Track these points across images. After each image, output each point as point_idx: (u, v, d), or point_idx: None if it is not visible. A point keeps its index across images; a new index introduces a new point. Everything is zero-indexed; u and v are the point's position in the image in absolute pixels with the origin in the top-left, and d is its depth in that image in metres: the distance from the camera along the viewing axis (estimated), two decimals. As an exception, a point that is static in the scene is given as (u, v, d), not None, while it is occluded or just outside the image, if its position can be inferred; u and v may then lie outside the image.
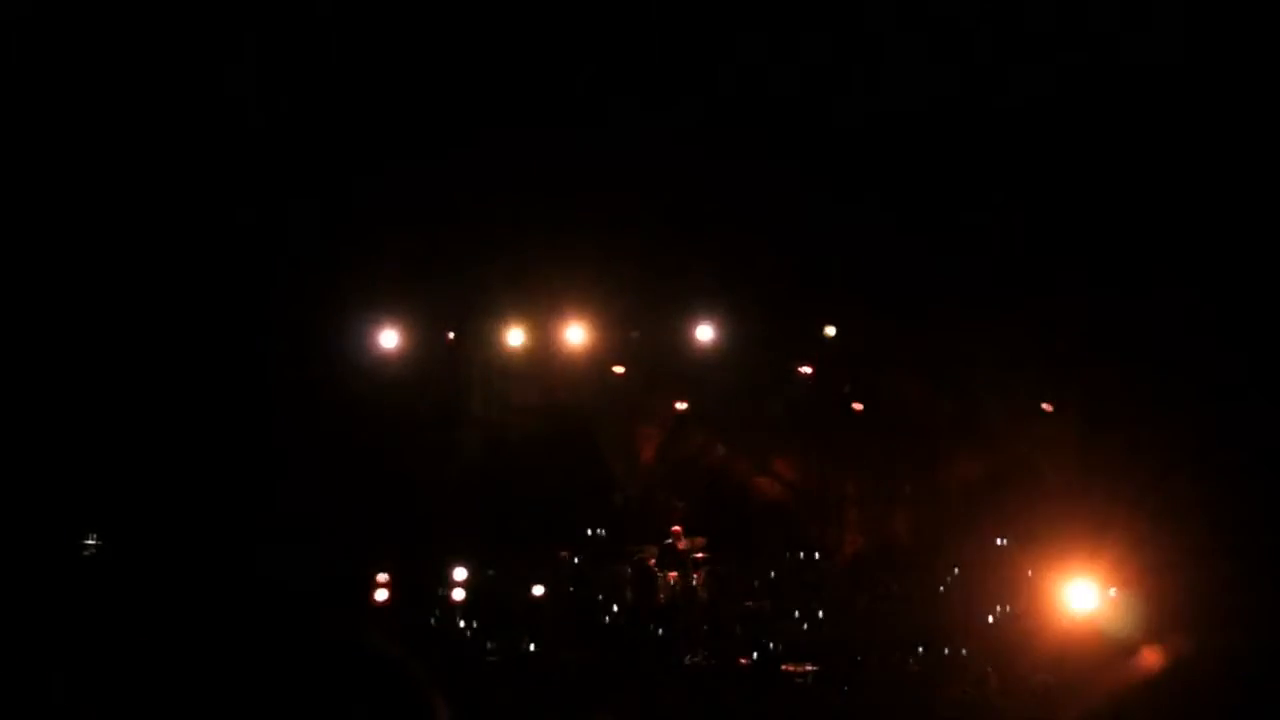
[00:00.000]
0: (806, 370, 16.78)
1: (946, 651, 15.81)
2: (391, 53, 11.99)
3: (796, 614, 16.75)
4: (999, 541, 16.78)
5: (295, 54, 11.83)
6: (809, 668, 15.79)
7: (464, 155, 13.09)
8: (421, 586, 16.20)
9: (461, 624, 16.42)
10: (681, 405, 17.94)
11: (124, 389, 13.62)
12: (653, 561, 17.19)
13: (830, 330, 15.29)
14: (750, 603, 16.86)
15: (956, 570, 16.52)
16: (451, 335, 16.41)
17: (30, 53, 11.63)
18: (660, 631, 16.52)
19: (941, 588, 16.56)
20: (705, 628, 16.60)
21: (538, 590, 16.87)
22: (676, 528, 17.80)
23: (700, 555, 17.52)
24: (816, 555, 17.61)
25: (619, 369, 17.00)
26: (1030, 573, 16.31)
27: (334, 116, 12.64)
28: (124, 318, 13.36)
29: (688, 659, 15.97)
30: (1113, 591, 14.77)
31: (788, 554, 17.36)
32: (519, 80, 12.29)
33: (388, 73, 12.21)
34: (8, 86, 11.80)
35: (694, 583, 17.25)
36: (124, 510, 13.98)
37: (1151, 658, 13.16)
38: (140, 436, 13.77)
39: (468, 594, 16.65)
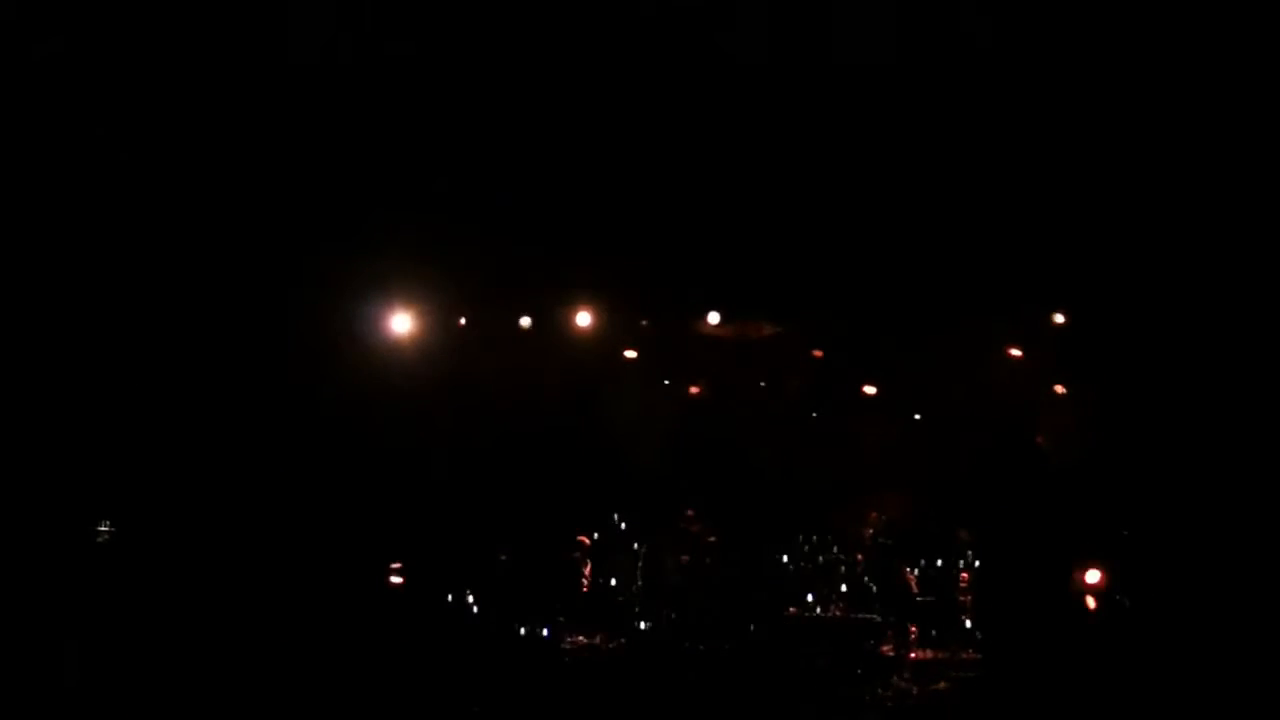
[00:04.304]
0: (817, 354, 16.76)
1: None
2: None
3: (810, 597, 16.77)
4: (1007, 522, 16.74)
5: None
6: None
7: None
8: (436, 570, 16.28)
9: (476, 608, 16.50)
10: (694, 389, 17.97)
11: (134, 376, 13.69)
12: (665, 544, 17.25)
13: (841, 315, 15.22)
14: (763, 587, 16.90)
15: (970, 554, 16.50)
16: (463, 320, 16.42)
17: (34, 49, 11.70)
18: (672, 615, 16.57)
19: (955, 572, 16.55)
20: (717, 612, 16.64)
21: (550, 574, 16.96)
22: (689, 511, 17.82)
23: (713, 539, 17.54)
24: (831, 540, 17.62)
25: (630, 353, 16.99)
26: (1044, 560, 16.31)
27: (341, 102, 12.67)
28: (134, 306, 13.43)
29: (699, 643, 16.00)
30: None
31: (800, 538, 17.36)
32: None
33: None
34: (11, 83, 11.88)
35: (706, 566, 17.28)
36: (137, 497, 14.06)
37: None
38: (152, 423, 13.84)
39: (481, 577, 16.73)
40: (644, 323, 16.30)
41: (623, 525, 17.97)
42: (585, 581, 17.51)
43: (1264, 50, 11.61)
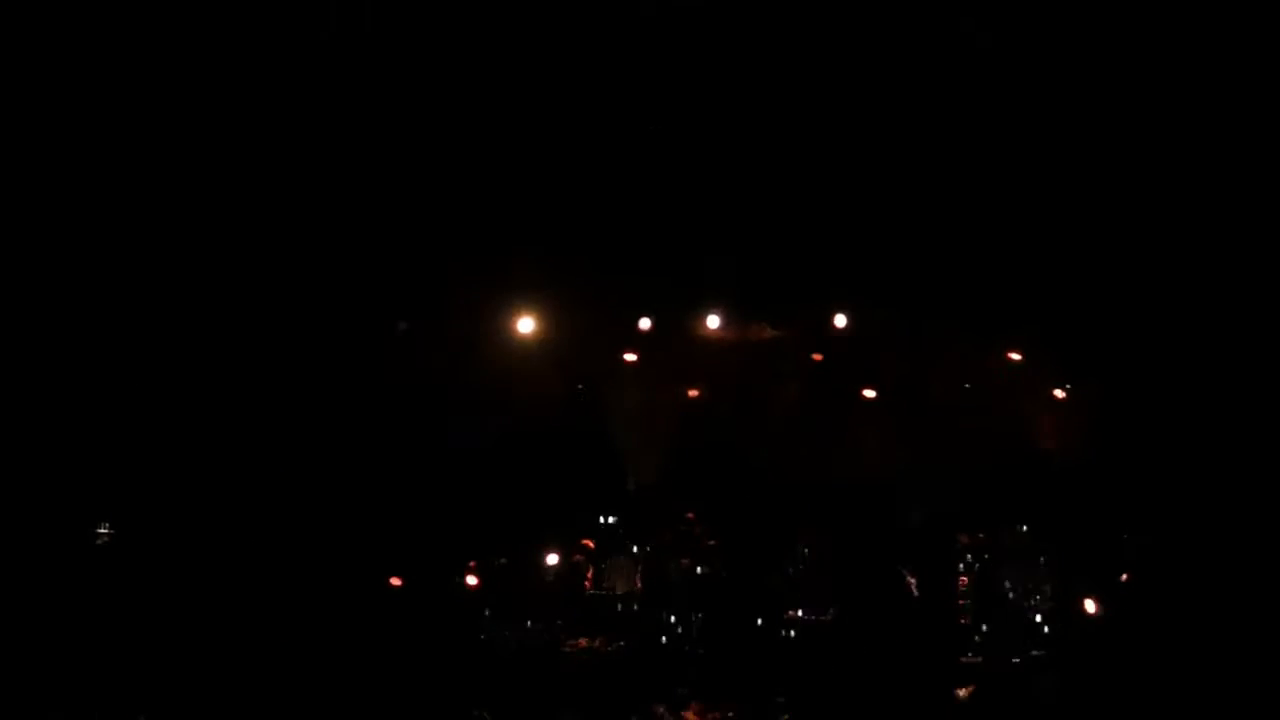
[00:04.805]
0: (817, 357, 16.71)
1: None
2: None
3: (811, 600, 16.75)
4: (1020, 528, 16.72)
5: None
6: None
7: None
8: (434, 575, 16.23)
9: (474, 611, 16.46)
10: (694, 392, 17.92)
11: (135, 379, 13.70)
12: (666, 548, 17.20)
13: (841, 318, 15.22)
14: (764, 589, 16.87)
15: (969, 557, 16.44)
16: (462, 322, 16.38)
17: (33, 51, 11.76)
18: (673, 619, 16.53)
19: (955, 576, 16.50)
20: (719, 615, 16.61)
21: (550, 578, 16.91)
22: (690, 514, 17.79)
23: (714, 542, 17.51)
24: (831, 542, 17.59)
25: (631, 355, 16.95)
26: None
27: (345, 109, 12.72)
28: (135, 308, 13.46)
29: (700, 646, 15.98)
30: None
31: (800, 539, 17.33)
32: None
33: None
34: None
35: (708, 569, 17.25)
36: (136, 499, 14.06)
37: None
38: (153, 426, 13.85)
39: (480, 581, 16.68)
40: (643, 323, 16.24)
41: (623, 529, 17.94)
42: (589, 584, 17.45)
43: (1261, 51, 11.63)
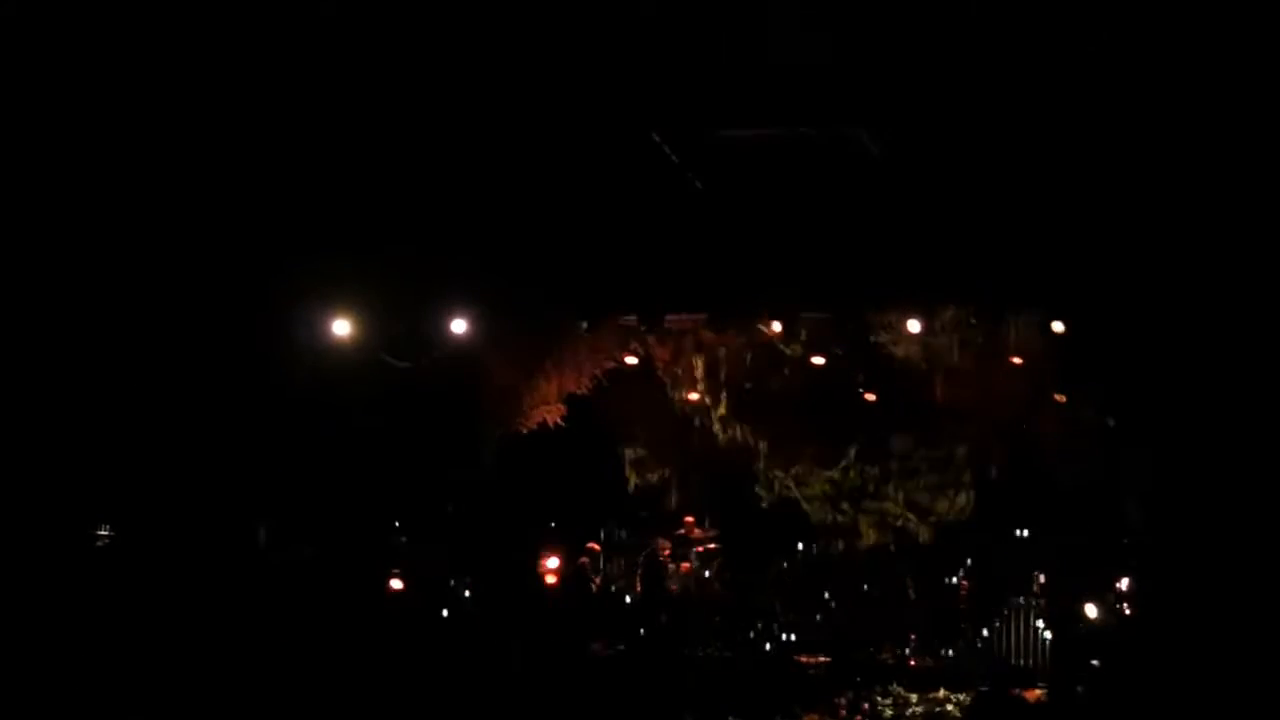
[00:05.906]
0: (819, 360, 16.74)
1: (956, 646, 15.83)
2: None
3: (809, 604, 16.77)
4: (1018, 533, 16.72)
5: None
6: (821, 659, 15.77)
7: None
8: (434, 578, 16.26)
9: (475, 615, 16.48)
10: (694, 396, 17.97)
11: (131, 381, 13.71)
12: (665, 552, 17.21)
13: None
14: (763, 593, 16.88)
15: (970, 561, 16.44)
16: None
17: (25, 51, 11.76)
18: (672, 621, 16.55)
19: (955, 579, 16.49)
20: (717, 619, 16.62)
21: (549, 581, 16.94)
22: (689, 518, 17.84)
23: (712, 546, 17.55)
24: (829, 545, 17.63)
25: (632, 359, 16.99)
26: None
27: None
28: (128, 311, 13.45)
29: (699, 650, 15.97)
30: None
31: (800, 544, 17.36)
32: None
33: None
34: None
35: (706, 574, 17.28)
36: (136, 501, 14.07)
37: None
38: (150, 428, 13.85)
39: (481, 585, 16.70)
40: (642, 327, 16.22)
41: (623, 533, 17.98)
42: (595, 586, 17.42)
43: (1262, 50, 11.58)
